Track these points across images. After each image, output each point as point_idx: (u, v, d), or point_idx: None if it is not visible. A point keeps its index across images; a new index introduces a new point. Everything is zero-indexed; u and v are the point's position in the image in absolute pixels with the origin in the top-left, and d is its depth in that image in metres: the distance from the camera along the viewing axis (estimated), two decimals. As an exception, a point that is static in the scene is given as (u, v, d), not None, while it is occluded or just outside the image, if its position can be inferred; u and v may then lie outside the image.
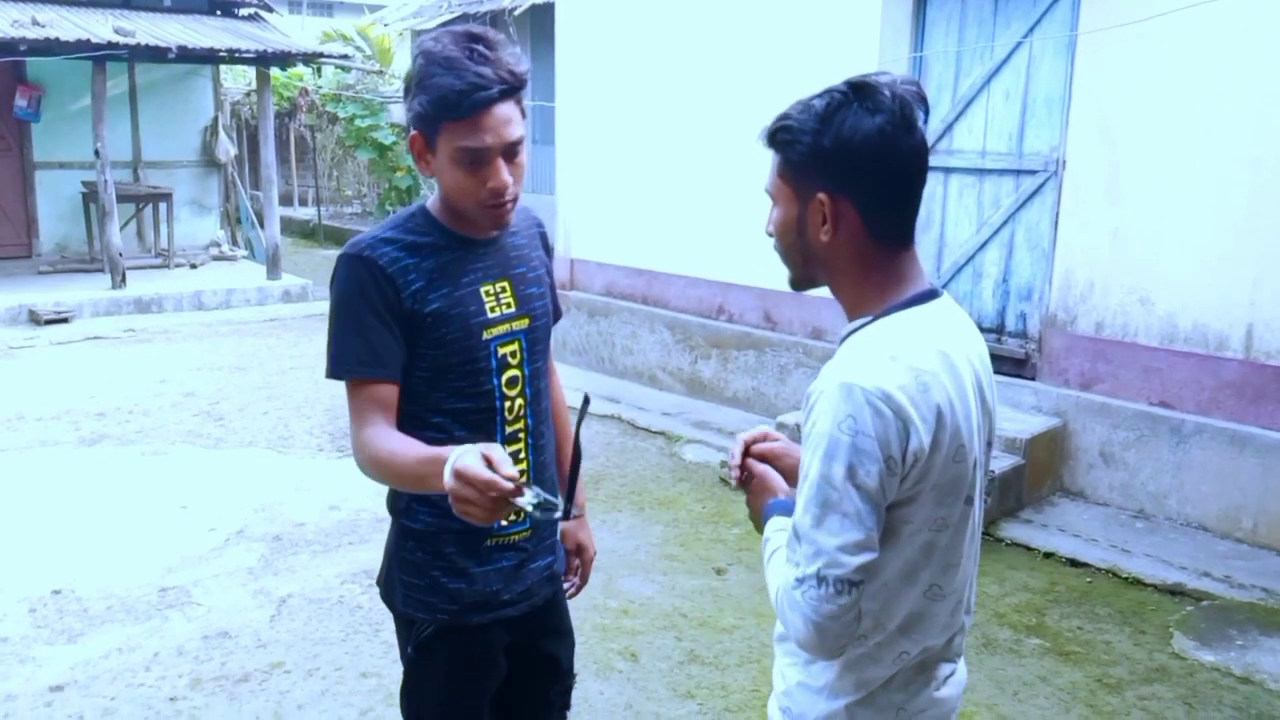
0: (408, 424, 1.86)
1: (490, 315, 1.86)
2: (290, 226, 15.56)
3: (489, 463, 1.51)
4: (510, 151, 1.74)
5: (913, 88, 1.37)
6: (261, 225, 11.67)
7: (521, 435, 1.93)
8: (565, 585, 2.22)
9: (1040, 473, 5.14)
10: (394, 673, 3.53)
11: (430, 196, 1.90)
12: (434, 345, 1.81)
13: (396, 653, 3.75)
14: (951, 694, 1.52)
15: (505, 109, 1.71)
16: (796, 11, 6.27)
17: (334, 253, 14.87)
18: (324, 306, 11.49)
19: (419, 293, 1.79)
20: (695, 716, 3.35)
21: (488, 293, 1.87)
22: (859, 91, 1.36)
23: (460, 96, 1.66)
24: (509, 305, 1.90)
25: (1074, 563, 4.53)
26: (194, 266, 11.73)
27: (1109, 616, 4.09)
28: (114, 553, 4.53)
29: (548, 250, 2.09)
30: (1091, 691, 3.54)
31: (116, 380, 7.49)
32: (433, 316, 1.80)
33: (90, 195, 11.19)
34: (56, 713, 3.32)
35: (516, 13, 11.42)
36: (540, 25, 11.15)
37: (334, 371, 1.83)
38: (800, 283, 1.51)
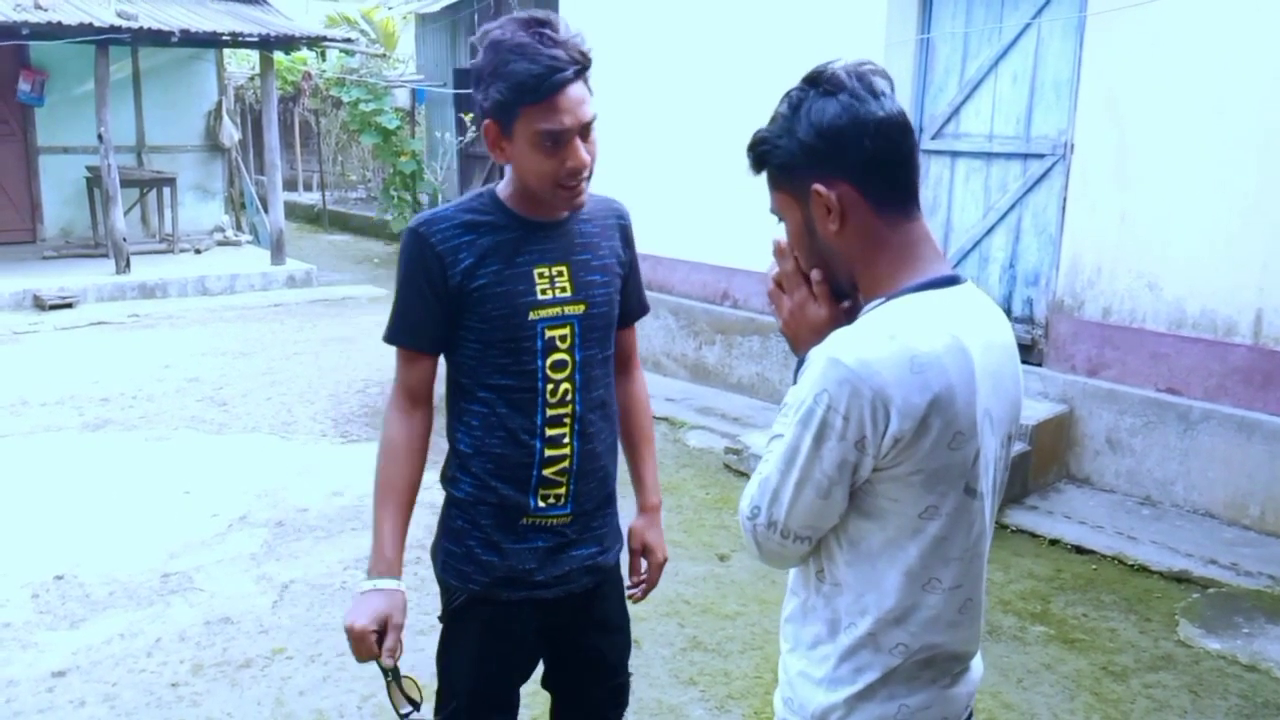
0: (459, 396, 1.96)
1: (540, 297, 1.88)
2: (295, 212, 15.53)
3: (384, 628, 1.85)
4: (585, 131, 1.80)
5: (868, 65, 1.39)
6: (266, 210, 11.65)
7: (566, 420, 1.94)
8: (631, 588, 2.21)
9: (1046, 459, 5.11)
10: (395, 659, 3.53)
11: (500, 182, 1.94)
12: (480, 320, 1.87)
13: (398, 639, 3.74)
14: (963, 692, 1.49)
15: (578, 89, 1.77)
16: (802, -7, 6.21)
17: (338, 238, 14.92)
18: (328, 292, 11.45)
19: (469, 269, 1.84)
20: (697, 703, 3.34)
21: (541, 275, 1.89)
22: (814, 81, 1.39)
23: (538, 80, 1.71)
24: (564, 289, 1.91)
25: (1079, 550, 4.51)
26: (198, 252, 11.72)
27: (1114, 604, 4.07)
28: (117, 538, 4.53)
29: (628, 242, 2.07)
30: (1096, 679, 3.53)
31: (120, 365, 7.49)
32: (479, 292, 1.85)
33: (94, 180, 11.17)
34: (58, 698, 3.32)
35: (521, -4, 11.34)
36: (545, 8, 11.07)
37: (386, 336, 1.96)
38: (833, 292, 1.49)
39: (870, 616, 1.40)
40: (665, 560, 2.24)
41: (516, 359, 1.89)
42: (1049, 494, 5.07)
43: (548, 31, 1.74)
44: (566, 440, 1.94)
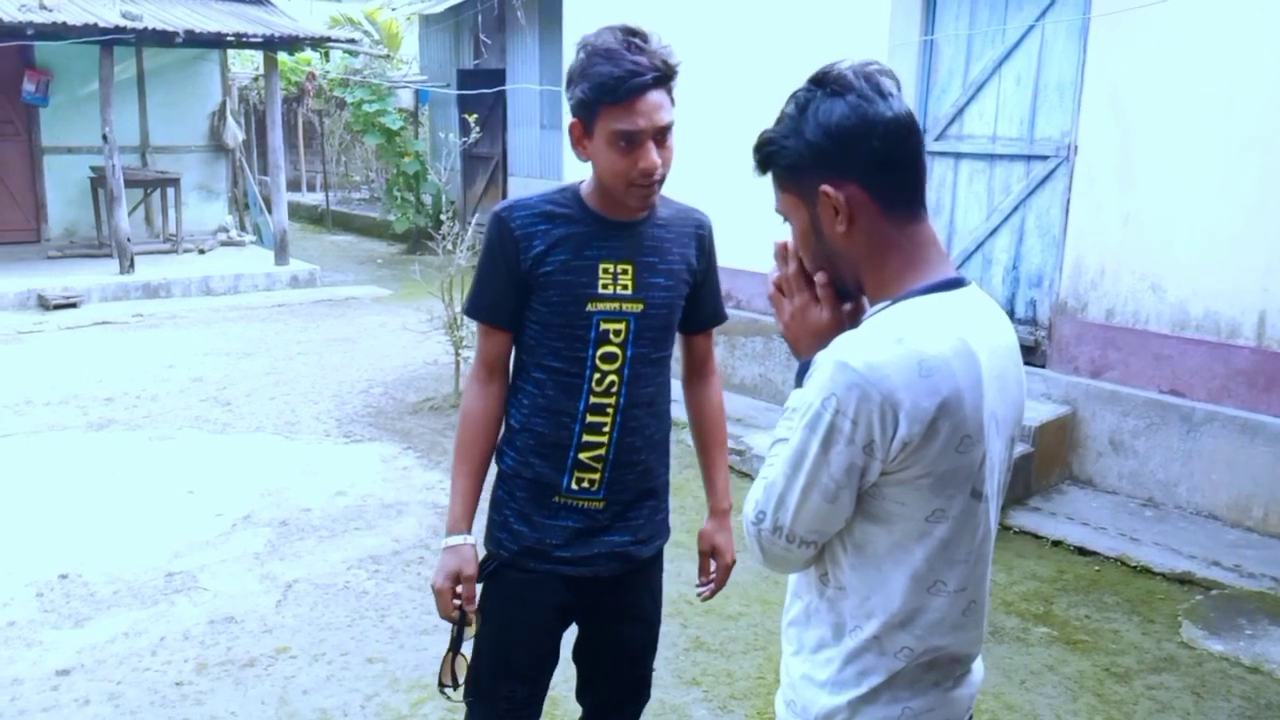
0: (520, 372, 2.09)
1: (601, 291, 1.98)
2: (298, 212, 15.56)
3: (458, 578, 2.04)
4: (660, 135, 1.90)
5: (875, 65, 1.38)
6: (269, 210, 11.67)
7: (609, 410, 2.03)
8: (699, 587, 2.33)
9: (1049, 460, 5.11)
10: (399, 658, 3.53)
11: (584, 180, 2.05)
12: (543, 304, 1.99)
13: (402, 639, 3.77)
14: (965, 694, 1.49)
15: (657, 95, 1.87)
16: (806, -5, 6.22)
17: (342, 238, 14.94)
18: (332, 292, 11.43)
19: (539, 255, 1.96)
20: (701, 703, 3.34)
21: (605, 270, 1.98)
22: (821, 81, 1.38)
23: (618, 83, 1.83)
24: (625, 287, 2.00)
25: (1082, 551, 4.51)
26: (202, 252, 11.73)
27: (1117, 605, 4.07)
28: (121, 537, 4.54)
29: (704, 252, 2.14)
30: (1099, 680, 3.53)
31: (124, 365, 7.50)
32: (544, 278, 1.97)
33: (98, 180, 11.20)
34: (63, 696, 3.32)
35: (524, -4, 11.36)
36: (548, 9, 11.09)
37: (466, 309, 2.11)
38: (838, 293, 1.49)
39: (875, 620, 1.40)
40: (733, 562, 2.32)
41: (569, 345, 1.99)
42: (1052, 495, 5.07)
43: (636, 40, 1.87)
44: (606, 429, 2.04)
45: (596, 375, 2.00)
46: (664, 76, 1.87)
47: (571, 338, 1.99)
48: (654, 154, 1.89)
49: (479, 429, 2.09)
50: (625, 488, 2.09)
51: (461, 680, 2.15)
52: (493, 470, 2.18)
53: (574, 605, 2.15)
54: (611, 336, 2.00)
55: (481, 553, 2.16)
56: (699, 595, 2.35)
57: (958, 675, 1.48)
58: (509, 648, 2.13)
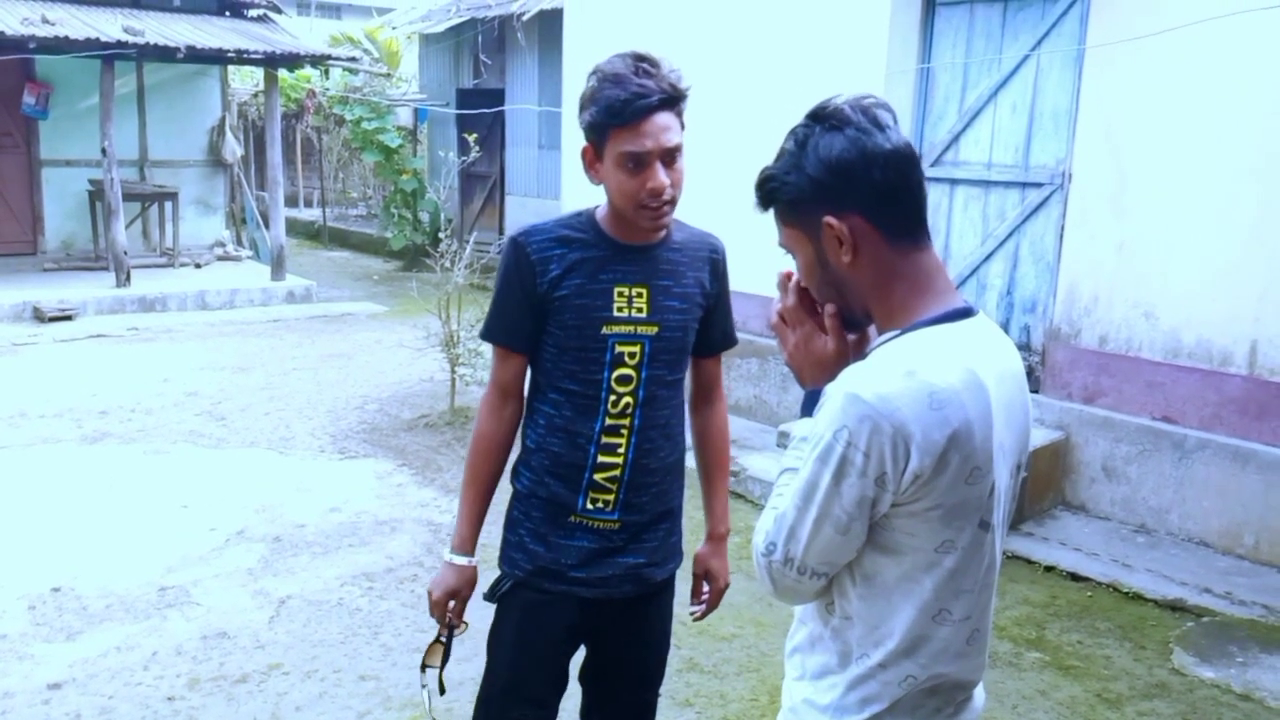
0: (535, 394, 2.11)
1: (616, 314, 2.00)
2: (295, 228, 15.57)
3: (454, 595, 2.11)
4: (668, 157, 1.91)
5: (870, 99, 1.41)
6: (266, 226, 11.69)
7: (624, 431, 2.05)
8: (692, 609, 2.33)
9: (1042, 486, 5.13)
10: (392, 676, 3.53)
11: (600, 205, 2.08)
12: (559, 327, 2.01)
13: (395, 656, 3.76)
14: None
15: (664, 118, 1.89)
16: (803, 24, 6.28)
17: (338, 254, 14.96)
18: (328, 308, 11.41)
19: (555, 279, 1.99)
20: (693, 725, 3.34)
21: (620, 293, 2.01)
22: (819, 116, 1.40)
23: (624, 105, 1.86)
24: (640, 310, 2.02)
25: (1075, 576, 4.52)
26: (198, 266, 11.74)
27: (1109, 631, 4.08)
28: (114, 551, 4.53)
29: (717, 275, 2.18)
30: (1091, 706, 3.53)
31: (119, 379, 7.49)
32: (560, 301, 1.99)
33: (96, 193, 11.21)
34: (54, 710, 3.31)
35: (525, 18, 11.44)
36: (548, 31, 11.17)
37: (483, 333, 2.13)
38: (846, 323, 1.50)
39: (882, 649, 1.40)
40: (727, 586, 2.34)
41: (585, 367, 2.02)
42: (1045, 520, 5.09)
43: (645, 65, 1.90)
44: (621, 450, 2.05)
45: (612, 397, 2.02)
46: (671, 99, 1.90)
47: (587, 360, 2.01)
48: (661, 175, 1.90)
49: (490, 452, 2.12)
50: (640, 509, 2.10)
51: (439, 665, 2.18)
52: (508, 490, 2.19)
53: (585, 628, 2.15)
54: (627, 359, 2.02)
55: (494, 574, 2.18)
56: (691, 616, 2.35)
57: (959, 701, 1.48)
58: (522, 670, 2.14)
